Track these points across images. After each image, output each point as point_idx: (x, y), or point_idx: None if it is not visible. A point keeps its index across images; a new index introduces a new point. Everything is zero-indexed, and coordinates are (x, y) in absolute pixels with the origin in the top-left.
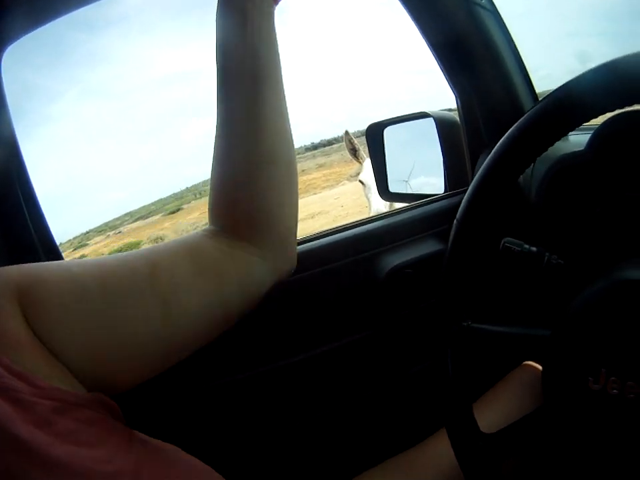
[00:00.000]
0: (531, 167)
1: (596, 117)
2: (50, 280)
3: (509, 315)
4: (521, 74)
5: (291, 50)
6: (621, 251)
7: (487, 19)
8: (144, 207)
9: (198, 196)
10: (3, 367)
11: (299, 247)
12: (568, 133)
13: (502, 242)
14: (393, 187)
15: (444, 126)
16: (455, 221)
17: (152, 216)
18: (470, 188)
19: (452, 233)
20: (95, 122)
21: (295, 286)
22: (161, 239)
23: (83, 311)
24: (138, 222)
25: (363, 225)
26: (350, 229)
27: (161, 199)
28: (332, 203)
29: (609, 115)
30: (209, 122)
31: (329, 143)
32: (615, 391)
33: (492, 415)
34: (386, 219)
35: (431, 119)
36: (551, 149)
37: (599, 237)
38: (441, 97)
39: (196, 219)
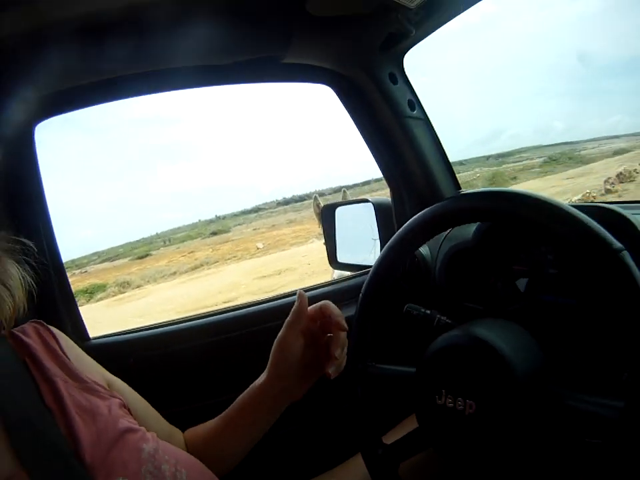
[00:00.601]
0: (437, 250)
1: (452, 227)
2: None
3: (402, 358)
4: (444, 168)
5: (267, 109)
6: (485, 312)
7: (417, 127)
8: (112, 248)
9: (168, 243)
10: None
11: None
12: (434, 236)
13: (405, 307)
14: (341, 258)
15: (380, 209)
16: (360, 294)
17: (119, 259)
18: (372, 268)
19: (358, 302)
20: (67, 154)
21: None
22: (128, 283)
23: None
24: (105, 263)
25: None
26: (290, 296)
27: (130, 243)
28: (299, 260)
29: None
30: (182, 169)
31: (301, 198)
32: (450, 404)
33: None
34: (326, 287)
35: (370, 204)
36: (448, 237)
37: (477, 302)
38: None
39: (164, 266)
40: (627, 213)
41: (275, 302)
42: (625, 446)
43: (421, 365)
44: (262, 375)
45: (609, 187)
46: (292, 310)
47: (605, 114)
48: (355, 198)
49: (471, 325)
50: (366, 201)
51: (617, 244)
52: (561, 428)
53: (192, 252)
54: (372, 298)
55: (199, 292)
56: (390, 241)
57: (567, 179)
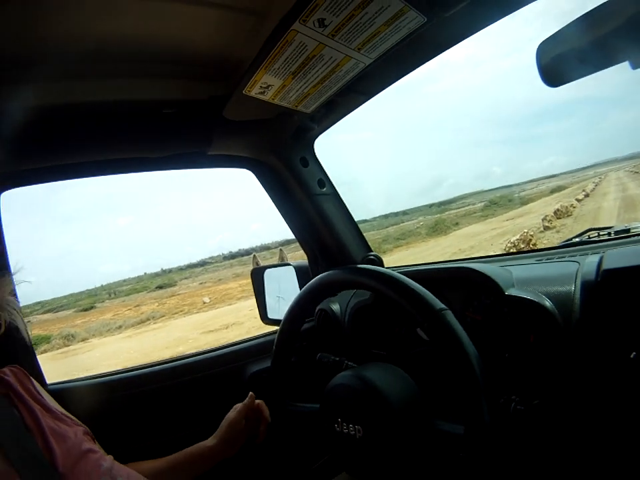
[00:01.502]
0: (346, 306)
1: (332, 293)
2: None
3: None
4: (353, 234)
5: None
6: (387, 357)
7: (327, 201)
8: (55, 298)
9: (113, 296)
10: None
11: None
12: (324, 299)
13: (317, 355)
14: (271, 315)
15: (299, 271)
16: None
17: (63, 310)
18: (280, 326)
19: (272, 352)
20: (15, 196)
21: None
22: (73, 336)
23: None
24: (48, 314)
25: (237, 345)
26: (229, 347)
27: (74, 294)
28: (247, 314)
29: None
30: (129, 220)
31: (247, 252)
32: (345, 430)
33: None
34: (260, 339)
35: (292, 267)
36: (355, 295)
37: (381, 349)
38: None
39: (110, 319)
40: (485, 268)
41: (219, 351)
42: (471, 456)
43: (322, 400)
44: (211, 439)
45: (546, 224)
46: (243, 403)
47: (540, 156)
48: (280, 262)
49: (360, 368)
50: (288, 264)
51: (439, 305)
52: (435, 446)
53: (138, 305)
54: (280, 348)
55: (145, 347)
56: (291, 303)
57: (507, 220)
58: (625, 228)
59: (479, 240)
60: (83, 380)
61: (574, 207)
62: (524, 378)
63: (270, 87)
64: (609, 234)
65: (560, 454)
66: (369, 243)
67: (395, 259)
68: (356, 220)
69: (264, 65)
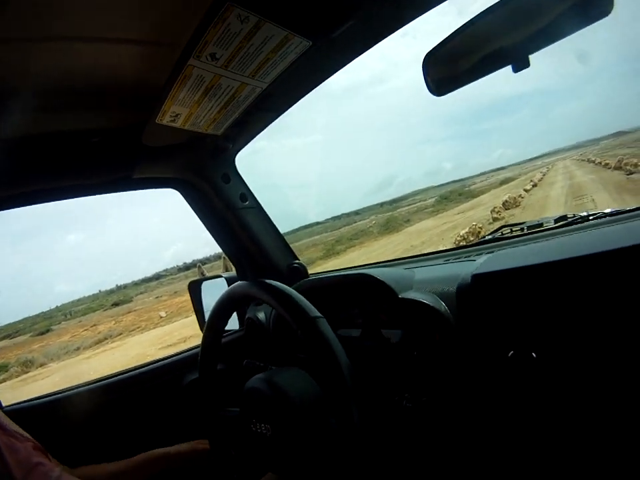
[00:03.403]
0: (270, 314)
1: (239, 306)
2: None
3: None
4: (278, 243)
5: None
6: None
7: (250, 214)
8: (10, 324)
9: (69, 316)
10: None
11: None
12: (233, 311)
13: (244, 362)
14: None
15: (230, 283)
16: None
17: (19, 335)
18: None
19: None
20: None
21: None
22: (31, 362)
23: None
24: (4, 341)
25: (176, 355)
26: (170, 358)
27: (29, 317)
28: None
29: None
30: (82, 238)
31: (202, 262)
32: (259, 430)
33: None
34: (193, 350)
35: (223, 279)
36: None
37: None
38: None
39: (67, 341)
40: (384, 272)
41: (159, 363)
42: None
43: (240, 403)
44: (162, 450)
45: (495, 215)
46: (194, 446)
47: (489, 149)
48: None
49: (269, 372)
50: (219, 276)
51: (314, 313)
52: (328, 442)
53: (94, 325)
54: (204, 358)
55: (104, 367)
56: (208, 316)
57: (458, 214)
58: (537, 223)
59: (430, 235)
60: (35, 400)
61: (522, 197)
62: (419, 375)
63: (179, 115)
64: (522, 229)
65: (447, 447)
66: (322, 245)
67: (348, 260)
68: (308, 223)
69: (170, 95)
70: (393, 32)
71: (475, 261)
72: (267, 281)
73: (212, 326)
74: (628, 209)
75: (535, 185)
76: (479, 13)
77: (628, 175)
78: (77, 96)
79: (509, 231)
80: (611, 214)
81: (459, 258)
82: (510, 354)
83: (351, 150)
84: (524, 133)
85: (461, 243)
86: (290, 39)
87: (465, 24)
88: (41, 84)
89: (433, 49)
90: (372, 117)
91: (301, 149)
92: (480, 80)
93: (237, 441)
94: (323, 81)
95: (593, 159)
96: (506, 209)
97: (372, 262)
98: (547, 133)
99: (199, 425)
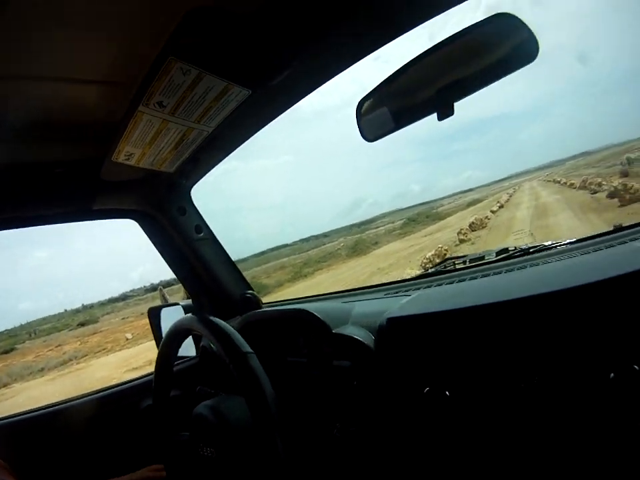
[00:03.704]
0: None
1: (184, 337)
2: None
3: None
4: (232, 274)
5: None
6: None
7: (204, 245)
8: None
9: (33, 335)
10: None
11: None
12: (181, 342)
13: (197, 388)
14: None
15: (187, 311)
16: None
17: None
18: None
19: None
20: None
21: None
22: None
23: None
24: None
25: (134, 381)
26: (128, 383)
27: None
28: None
29: None
30: (48, 253)
31: (168, 283)
32: (206, 453)
33: None
34: (151, 376)
35: (180, 307)
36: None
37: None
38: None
39: (32, 361)
40: (323, 306)
41: (118, 388)
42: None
43: (189, 428)
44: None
45: (462, 237)
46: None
47: (457, 171)
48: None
49: (216, 399)
50: (177, 304)
51: (245, 348)
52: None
53: (60, 345)
54: (157, 385)
55: (68, 389)
56: (161, 344)
57: (425, 236)
58: (479, 256)
59: (397, 257)
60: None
61: (488, 219)
62: (352, 406)
63: (133, 154)
64: (464, 262)
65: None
66: (290, 267)
67: (316, 282)
68: (277, 245)
69: (124, 137)
70: (333, 77)
71: (409, 296)
72: (208, 316)
73: (163, 355)
74: (566, 242)
75: (501, 206)
76: (407, 62)
77: (592, 194)
78: (41, 129)
79: (453, 263)
80: (549, 247)
81: (397, 292)
82: (425, 390)
83: (321, 172)
84: (492, 155)
85: (427, 265)
86: (230, 89)
87: (394, 72)
88: (6, 117)
89: (365, 96)
90: (342, 140)
91: (272, 171)
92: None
93: (188, 465)
94: (268, 122)
95: (559, 179)
96: (472, 231)
97: (326, 292)
98: (515, 154)
99: (154, 449)
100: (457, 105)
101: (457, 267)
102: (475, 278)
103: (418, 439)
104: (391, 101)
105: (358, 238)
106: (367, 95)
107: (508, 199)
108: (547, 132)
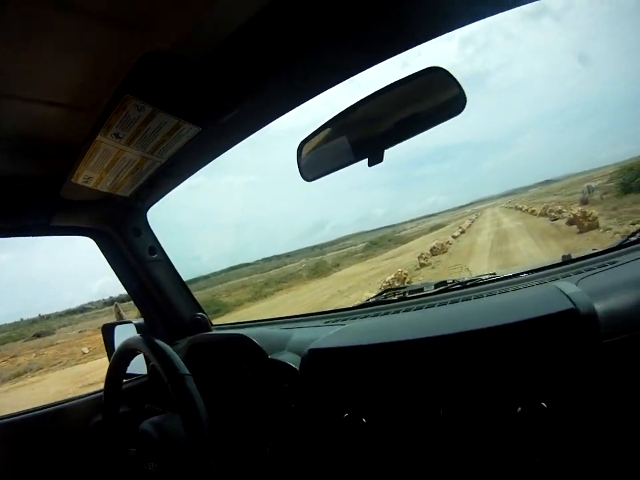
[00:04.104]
0: None
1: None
2: None
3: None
4: (183, 295)
5: None
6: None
7: (158, 267)
8: None
9: None
10: None
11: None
12: (129, 360)
13: (145, 406)
14: None
15: (140, 329)
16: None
17: None
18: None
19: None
20: None
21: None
22: None
23: None
24: None
25: (85, 397)
26: (79, 398)
27: None
28: None
29: None
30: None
31: (128, 297)
32: (150, 468)
33: None
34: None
35: (133, 325)
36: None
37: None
38: None
39: None
40: (262, 332)
41: (69, 403)
42: None
43: (136, 444)
44: None
45: (422, 261)
46: None
47: (421, 196)
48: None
49: (160, 417)
50: (130, 322)
51: (183, 370)
52: None
53: (14, 356)
54: (106, 403)
55: (22, 403)
56: (110, 362)
57: (387, 259)
58: (418, 288)
59: (358, 280)
60: None
61: (450, 244)
62: (286, 427)
63: (91, 178)
64: (403, 294)
65: None
66: (251, 287)
67: (274, 303)
68: (238, 263)
69: (83, 162)
70: (279, 116)
71: (344, 324)
72: (152, 338)
73: (112, 372)
74: (503, 275)
75: (463, 232)
76: (344, 109)
77: (552, 220)
78: (5, 144)
79: (392, 294)
80: (486, 281)
81: (336, 321)
82: (345, 416)
83: (287, 192)
84: (457, 181)
85: (387, 288)
86: (181, 125)
87: (332, 118)
88: None
89: (305, 138)
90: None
91: (238, 187)
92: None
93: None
94: (220, 155)
95: (521, 206)
96: (433, 255)
97: (274, 317)
98: (479, 181)
99: (103, 465)
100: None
101: (396, 297)
102: (409, 310)
103: (337, 461)
104: (329, 144)
105: (320, 259)
106: (306, 137)
107: (470, 225)
108: (511, 160)
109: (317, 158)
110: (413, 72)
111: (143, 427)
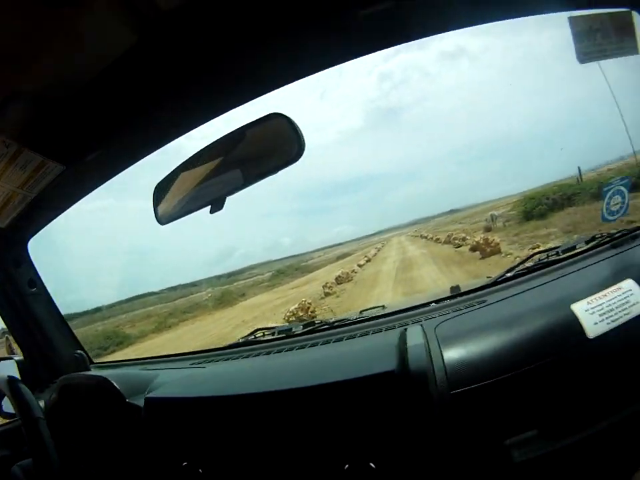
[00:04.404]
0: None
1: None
2: None
3: None
4: (62, 331)
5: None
6: None
7: (37, 301)
8: None
9: None
10: None
11: None
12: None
13: (24, 448)
14: (5, 407)
15: (20, 367)
16: None
17: None
18: None
19: None
20: None
21: None
22: None
23: None
24: None
25: None
26: None
27: None
28: None
29: None
30: None
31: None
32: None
33: None
34: None
35: (14, 361)
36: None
37: None
38: None
39: None
40: (124, 374)
41: None
42: None
43: None
44: None
45: (327, 290)
46: None
47: (329, 226)
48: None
49: (29, 460)
50: (11, 358)
51: (37, 414)
52: None
53: None
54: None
55: None
56: None
57: (293, 288)
58: (287, 328)
59: (263, 310)
60: None
61: (355, 272)
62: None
63: None
64: (273, 334)
65: None
66: (156, 317)
67: (179, 333)
68: (143, 292)
69: None
70: (146, 155)
71: (204, 368)
72: (13, 379)
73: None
74: (370, 315)
75: (368, 260)
76: (192, 155)
77: (456, 247)
78: None
79: (262, 334)
80: (353, 321)
81: (201, 362)
82: (183, 464)
83: (195, 219)
84: (364, 211)
85: (291, 319)
86: (46, 163)
87: (181, 164)
88: None
89: (160, 182)
90: None
91: (148, 212)
92: (332, 158)
93: None
94: (91, 192)
95: (426, 234)
96: (338, 284)
97: (151, 356)
98: (388, 211)
99: None
100: (336, 159)
101: (266, 337)
102: (281, 352)
103: None
104: (178, 190)
105: (225, 289)
106: (160, 181)
107: (376, 253)
108: (417, 192)
109: (168, 203)
110: (254, 119)
111: (13, 470)
